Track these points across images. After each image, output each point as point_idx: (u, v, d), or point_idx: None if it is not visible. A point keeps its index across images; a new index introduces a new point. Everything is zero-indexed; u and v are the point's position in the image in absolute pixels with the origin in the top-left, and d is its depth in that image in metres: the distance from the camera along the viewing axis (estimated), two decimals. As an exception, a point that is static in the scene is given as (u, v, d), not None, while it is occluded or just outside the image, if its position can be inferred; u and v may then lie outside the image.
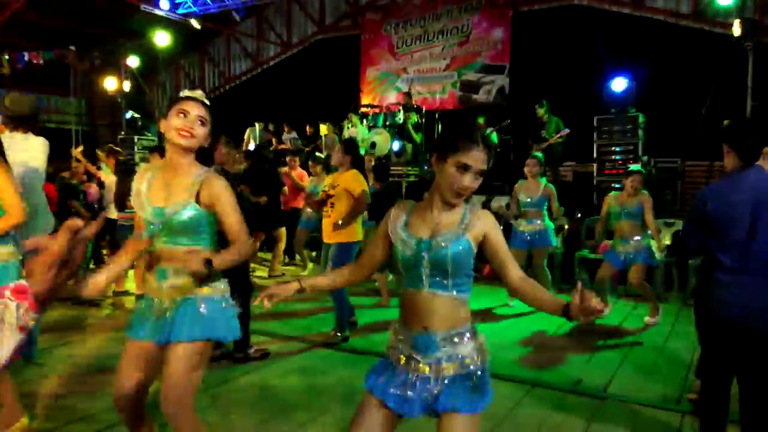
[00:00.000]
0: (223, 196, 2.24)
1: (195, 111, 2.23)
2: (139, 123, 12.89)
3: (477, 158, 1.85)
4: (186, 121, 2.20)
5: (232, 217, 2.25)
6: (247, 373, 4.10)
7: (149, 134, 12.97)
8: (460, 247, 1.86)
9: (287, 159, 8.91)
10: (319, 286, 2.16)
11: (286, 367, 4.29)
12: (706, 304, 2.76)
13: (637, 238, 5.37)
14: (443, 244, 1.86)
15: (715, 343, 2.80)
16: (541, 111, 9.26)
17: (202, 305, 2.22)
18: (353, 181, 4.83)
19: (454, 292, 1.89)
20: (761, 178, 2.63)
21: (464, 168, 1.85)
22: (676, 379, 4.04)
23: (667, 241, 6.80)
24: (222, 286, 2.32)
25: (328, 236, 4.91)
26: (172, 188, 2.24)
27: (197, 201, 2.22)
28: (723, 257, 2.67)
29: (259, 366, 4.25)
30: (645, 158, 8.28)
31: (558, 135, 8.99)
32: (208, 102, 2.32)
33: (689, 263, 6.41)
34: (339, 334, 4.89)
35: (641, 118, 8.36)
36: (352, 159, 4.93)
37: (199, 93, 2.32)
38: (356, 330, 5.17)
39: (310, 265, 8.02)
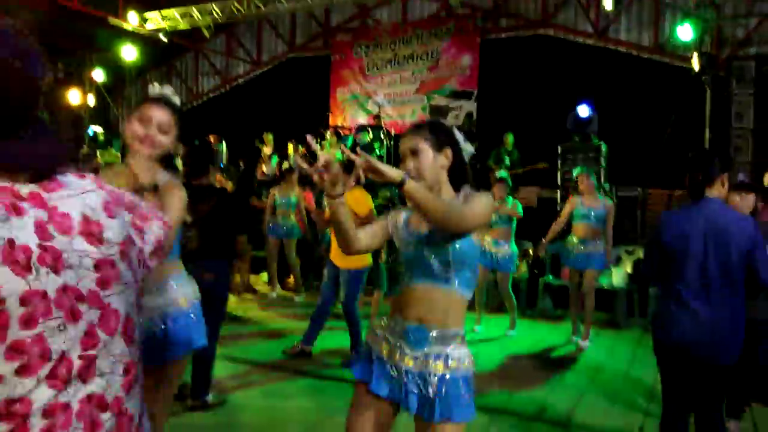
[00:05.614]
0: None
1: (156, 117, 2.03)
2: (101, 138, 12.66)
3: (405, 143, 1.94)
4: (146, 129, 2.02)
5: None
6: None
7: (112, 149, 12.71)
8: (463, 241, 1.83)
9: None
10: (342, 221, 1.82)
11: (247, 393, 4.18)
12: (662, 332, 2.81)
13: (595, 241, 5.57)
14: (443, 239, 1.83)
15: (670, 369, 2.84)
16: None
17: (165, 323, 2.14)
18: (359, 200, 4.71)
19: (457, 287, 1.85)
20: (713, 210, 2.68)
21: (402, 157, 1.95)
22: (638, 406, 4.07)
23: (629, 269, 6.91)
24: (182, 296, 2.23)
25: (341, 259, 4.69)
26: None
27: None
28: (678, 286, 2.71)
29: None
30: (607, 186, 8.45)
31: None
32: (174, 101, 2.14)
33: (650, 290, 6.51)
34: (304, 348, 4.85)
35: (603, 147, 8.56)
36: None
37: (162, 91, 2.16)
38: (319, 355, 5.07)
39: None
